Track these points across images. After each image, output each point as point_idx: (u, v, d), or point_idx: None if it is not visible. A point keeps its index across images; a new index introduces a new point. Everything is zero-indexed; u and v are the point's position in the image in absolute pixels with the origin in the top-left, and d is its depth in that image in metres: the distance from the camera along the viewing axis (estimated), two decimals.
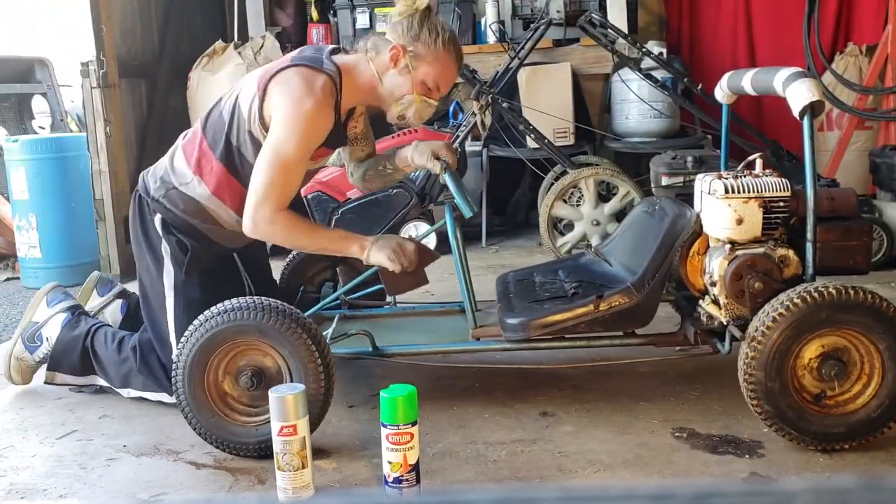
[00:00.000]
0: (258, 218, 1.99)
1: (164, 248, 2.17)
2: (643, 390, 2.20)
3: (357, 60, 2.13)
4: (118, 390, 2.27)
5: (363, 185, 2.45)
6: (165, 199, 2.17)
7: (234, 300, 1.87)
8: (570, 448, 1.88)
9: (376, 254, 2.04)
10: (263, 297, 1.89)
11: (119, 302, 2.44)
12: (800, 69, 1.88)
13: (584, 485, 1.71)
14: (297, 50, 2.18)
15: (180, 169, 2.16)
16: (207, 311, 1.87)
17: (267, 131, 2.04)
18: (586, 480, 1.73)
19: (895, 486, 0.42)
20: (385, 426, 1.64)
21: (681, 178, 3.63)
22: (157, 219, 2.18)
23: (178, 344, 2.11)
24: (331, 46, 2.18)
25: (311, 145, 2.03)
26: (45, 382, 2.35)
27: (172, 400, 2.07)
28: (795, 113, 1.83)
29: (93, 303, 2.46)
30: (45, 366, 2.35)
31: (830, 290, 1.73)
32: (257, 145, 2.06)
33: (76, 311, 2.38)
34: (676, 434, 1.93)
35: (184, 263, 2.15)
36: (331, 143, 2.13)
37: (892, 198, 3.75)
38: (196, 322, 1.86)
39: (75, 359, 2.30)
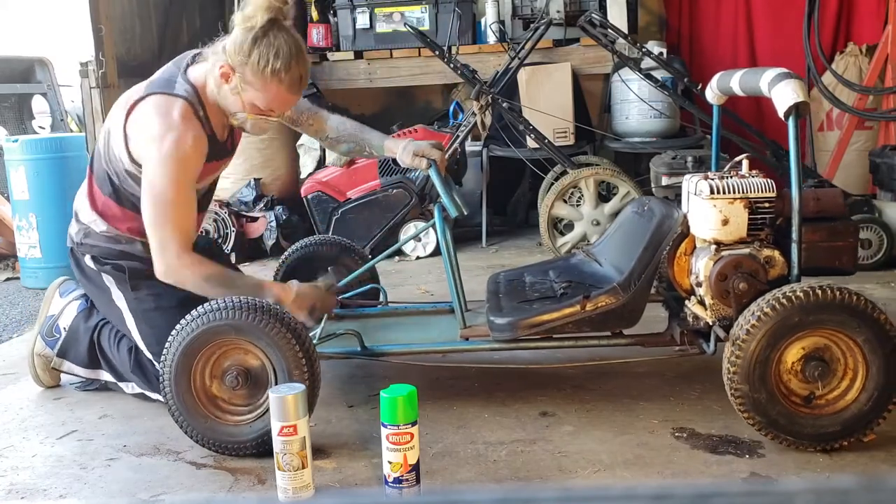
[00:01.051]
0: (167, 265, 2.00)
1: (105, 279, 2.23)
2: (643, 390, 2.20)
3: (206, 72, 2.09)
4: (120, 384, 2.28)
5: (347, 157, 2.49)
6: (87, 238, 2.24)
7: (207, 304, 1.87)
8: (570, 448, 1.88)
9: (295, 312, 2.00)
10: (235, 296, 1.89)
11: (76, 303, 2.38)
12: (786, 70, 1.88)
13: (584, 485, 1.71)
14: (159, 71, 2.18)
15: (84, 211, 2.25)
16: (183, 318, 1.87)
17: (140, 169, 2.06)
18: (586, 480, 1.73)
19: (895, 486, 0.42)
20: (385, 426, 1.64)
21: (681, 179, 3.63)
22: (87, 258, 2.25)
23: (154, 355, 2.16)
24: (192, 54, 2.16)
25: (189, 176, 2.03)
26: (53, 368, 2.37)
27: None
28: (780, 114, 1.83)
29: (54, 307, 2.42)
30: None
31: (798, 293, 1.73)
32: (137, 180, 2.09)
33: (90, 298, 2.39)
34: (676, 434, 1.93)
35: (126, 281, 2.19)
36: (216, 156, 2.14)
37: (892, 198, 3.75)
38: (174, 331, 1.87)
39: (83, 350, 2.31)
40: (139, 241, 2.20)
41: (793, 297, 1.73)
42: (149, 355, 2.18)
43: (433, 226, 2.19)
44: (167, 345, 1.87)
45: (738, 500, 0.44)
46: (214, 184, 2.35)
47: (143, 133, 2.04)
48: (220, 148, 2.18)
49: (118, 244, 2.21)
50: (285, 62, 1.99)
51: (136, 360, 2.22)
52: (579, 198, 3.89)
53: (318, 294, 2.13)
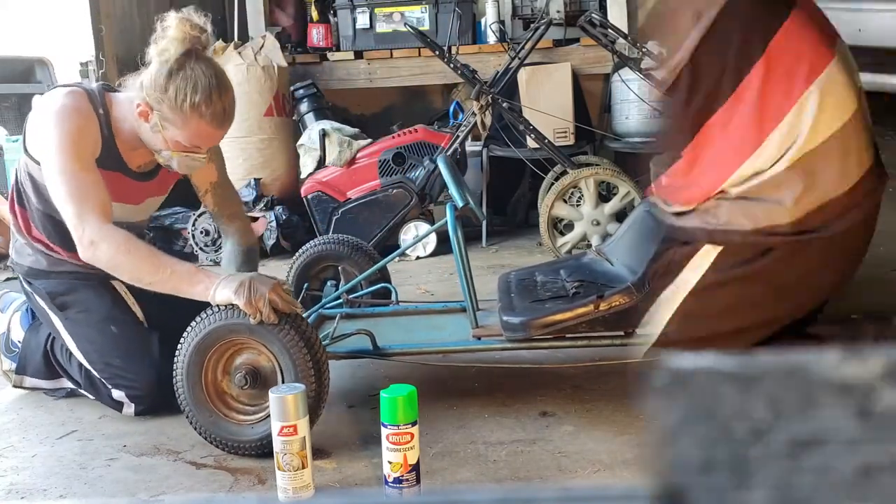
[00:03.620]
0: (87, 238, 1.86)
1: (39, 301, 2.20)
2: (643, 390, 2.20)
3: (124, 99, 2.02)
4: (81, 391, 2.26)
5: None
6: (18, 256, 2.22)
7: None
8: (570, 448, 1.88)
9: (222, 290, 1.79)
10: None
11: (18, 315, 2.35)
12: None
13: (584, 485, 1.71)
14: None
15: (13, 227, 2.24)
16: (202, 311, 1.87)
17: (35, 162, 2.03)
18: (586, 480, 1.73)
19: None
20: (385, 426, 1.64)
21: None
22: (21, 279, 2.23)
23: (99, 371, 2.14)
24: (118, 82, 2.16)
25: (85, 151, 1.95)
26: (14, 386, 2.35)
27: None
28: None
29: (2, 325, 2.40)
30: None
31: None
32: (32, 181, 2.07)
33: (30, 308, 2.36)
34: None
35: (53, 304, 2.18)
36: (106, 163, 2.03)
37: None
38: (192, 323, 1.87)
39: (39, 362, 2.29)
40: (47, 256, 2.17)
41: None
42: (95, 372, 2.16)
43: (444, 224, 2.18)
44: (184, 335, 1.87)
45: None
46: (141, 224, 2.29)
47: (35, 120, 2.00)
48: (109, 156, 2.04)
49: (37, 263, 2.19)
50: (204, 95, 1.88)
51: (86, 376, 2.20)
52: (579, 198, 3.88)
53: (257, 278, 1.83)
